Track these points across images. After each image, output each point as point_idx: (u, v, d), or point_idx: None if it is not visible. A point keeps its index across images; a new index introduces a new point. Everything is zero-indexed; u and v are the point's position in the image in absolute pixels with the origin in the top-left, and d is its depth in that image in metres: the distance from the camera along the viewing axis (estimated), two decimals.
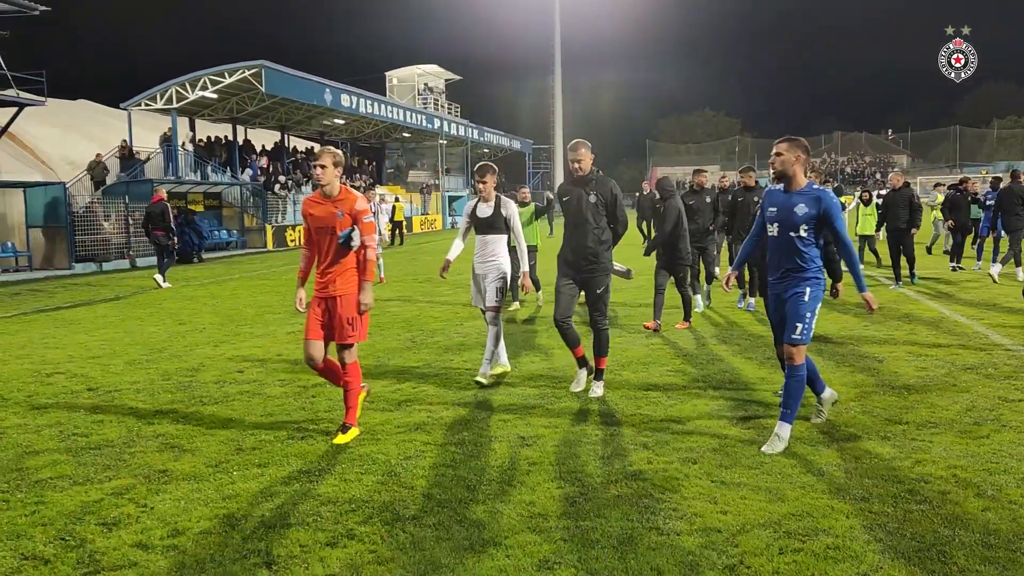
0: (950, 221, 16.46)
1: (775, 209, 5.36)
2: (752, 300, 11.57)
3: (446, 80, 58.02)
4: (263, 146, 40.78)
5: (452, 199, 54.11)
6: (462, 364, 8.30)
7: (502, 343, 7.46)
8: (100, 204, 26.22)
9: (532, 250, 12.71)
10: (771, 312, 5.63)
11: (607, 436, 5.64)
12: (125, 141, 31.43)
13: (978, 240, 17.15)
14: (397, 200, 35.60)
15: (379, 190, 19.70)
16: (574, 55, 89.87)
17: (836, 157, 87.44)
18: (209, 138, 36.57)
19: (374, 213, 16.92)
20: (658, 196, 10.41)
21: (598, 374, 6.92)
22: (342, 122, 43.09)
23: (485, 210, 7.35)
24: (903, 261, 13.84)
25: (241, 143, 38.47)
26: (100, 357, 9.32)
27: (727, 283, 5.82)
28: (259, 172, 37.13)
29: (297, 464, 5.22)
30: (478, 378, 7.23)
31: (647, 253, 10.66)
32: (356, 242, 5.70)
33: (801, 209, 5.21)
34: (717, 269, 13.18)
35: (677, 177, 67.51)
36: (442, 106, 56.18)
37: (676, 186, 11.38)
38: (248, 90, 33.08)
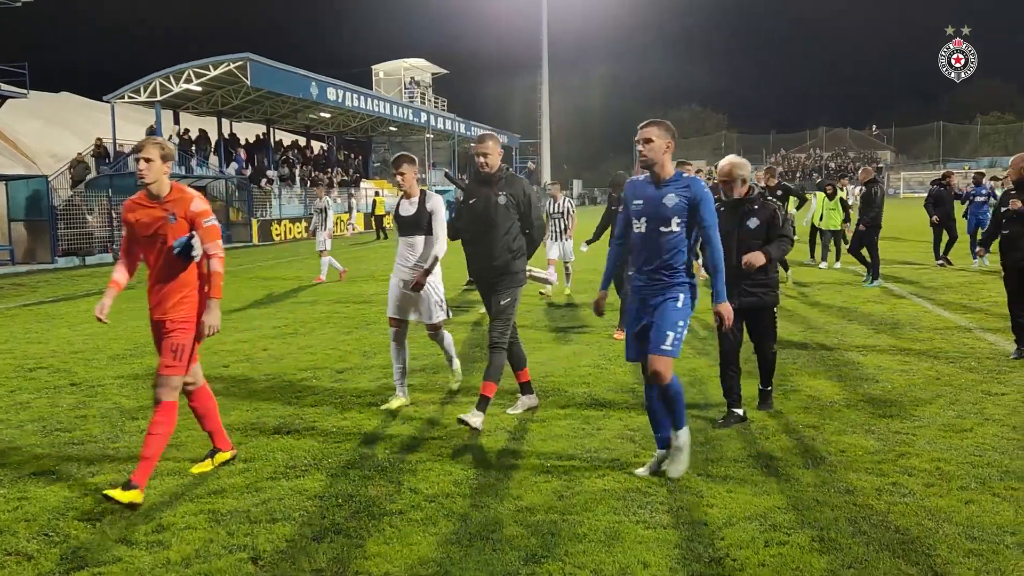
0: (935, 216, 16.53)
1: (641, 202, 4.72)
2: None
3: (433, 74, 57.85)
4: (246, 139, 40.53)
5: (438, 193, 53.90)
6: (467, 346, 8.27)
7: (455, 361, 6.92)
8: (82, 197, 25.98)
9: None
10: (630, 318, 4.83)
11: (594, 430, 5.65)
12: (100, 140, 31.13)
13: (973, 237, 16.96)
14: (378, 194, 35.50)
15: (333, 192, 18.58)
16: (561, 50, 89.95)
17: (820, 152, 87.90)
18: (194, 131, 36.32)
19: (322, 210, 16.73)
20: (612, 193, 9.61)
21: (482, 401, 5.76)
22: (328, 116, 42.89)
23: (408, 208, 6.38)
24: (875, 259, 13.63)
25: (226, 136, 38.23)
26: (83, 352, 9.24)
27: (596, 308, 5.07)
28: (244, 165, 36.90)
29: (283, 459, 5.20)
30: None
31: (587, 244, 10.53)
32: (197, 252, 4.82)
33: (671, 200, 4.61)
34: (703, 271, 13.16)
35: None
36: (429, 100, 56.02)
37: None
38: (233, 83, 32.87)
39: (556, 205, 13.04)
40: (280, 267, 20.66)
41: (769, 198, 5.90)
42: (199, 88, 32.53)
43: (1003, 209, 7.69)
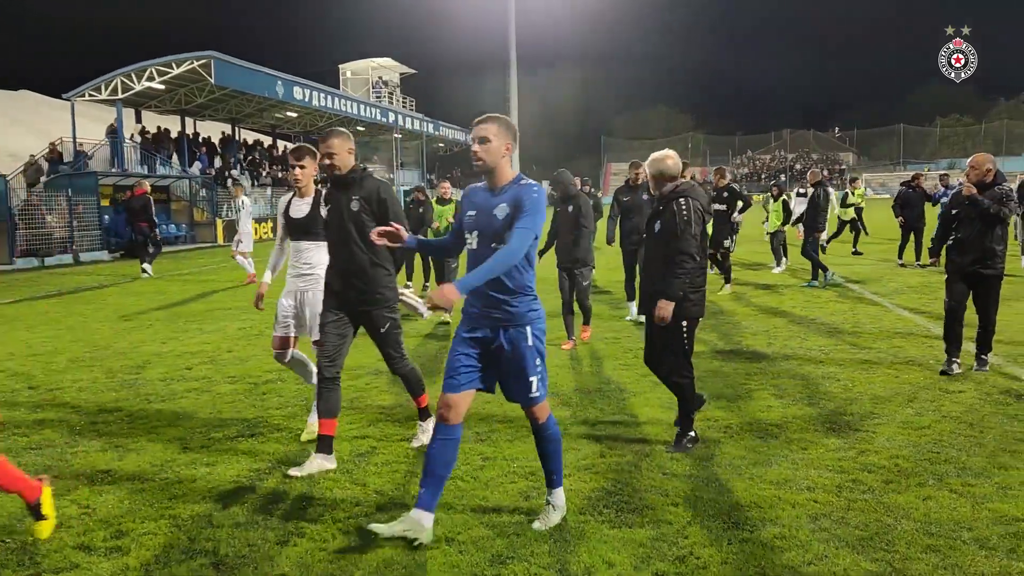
0: (900, 218, 16.58)
1: (474, 213, 3.97)
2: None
3: (401, 74, 57.66)
4: (209, 137, 40.08)
5: (407, 193, 53.73)
6: (416, 360, 8.25)
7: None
8: (41, 198, 25.47)
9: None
10: (456, 352, 3.98)
11: (560, 431, 5.64)
12: (53, 144, 30.58)
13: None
14: None
15: (243, 193, 17.71)
16: (530, 49, 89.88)
17: (785, 154, 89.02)
18: (157, 129, 35.80)
19: (239, 210, 16.73)
20: (557, 196, 8.79)
21: (422, 413, 5.53)
22: (295, 115, 42.56)
23: (300, 208, 5.51)
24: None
25: (190, 135, 37.75)
26: (42, 355, 9.06)
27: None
28: (208, 165, 36.46)
29: (246, 462, 5.14)
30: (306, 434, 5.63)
31: (543, 252, 9.02)
32: None
33: (503, 211, 3.84)
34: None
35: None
36: (397, 100, 55.80)
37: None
38: (197, 81, 32.46)
39: None
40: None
41: (680, 200, 5.13)
42: (162, 86, 32.08)
43: (953, 211, 7.26)
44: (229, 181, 34.79)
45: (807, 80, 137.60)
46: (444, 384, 3.98)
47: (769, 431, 5.53)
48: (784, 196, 16.00)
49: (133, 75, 31.09)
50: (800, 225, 14.68)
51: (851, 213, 19.41)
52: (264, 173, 40.52)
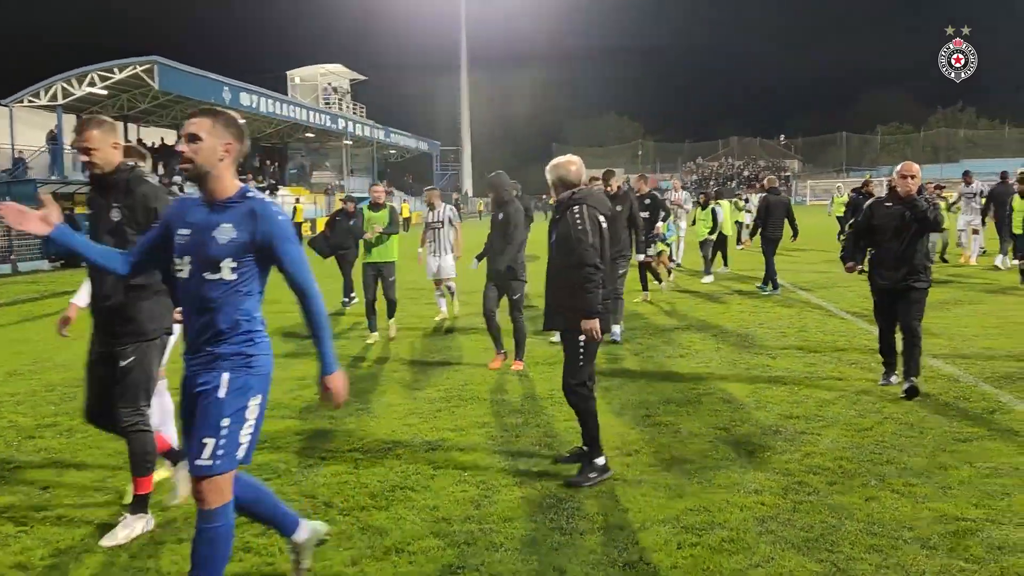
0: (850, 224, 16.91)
1: (187, 232, 3.13)
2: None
3: (351, 80, 57.23)
4: (152, 143, 39.26)
5: (358, 200, 53.30)
6: (367, 369, 8.18)
7: (171, 425, 4.82)
8: None
9: (390, 265, 9.86)
10: (183, 406, 3.26)
11: (512, 438, 5.65)
12: None
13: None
14: (298, 201, 34.92)
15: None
16: (482, 56, 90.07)
17: (733, 161, 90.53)
18: None
19: None
20: (492, 201, 8.23)
21: (137, 502, 4.24)
22: (242, 121, 41.89)
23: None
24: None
25: (134, 142, 36.93)
26: None
27: None
28: (152, 171, 35.69)
29: None
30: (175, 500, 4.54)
31: (478, 259, 8.86)
32: None
33: (226, 233, 3.07)
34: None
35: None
36: (347, 106, 55.38)
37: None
38: (140, 87, 31.81)
39: (434, 214, 10.90)
40: None
41: (575, 208, 4.81)
42: (104, 91, 31.36)
43: (874, 223, 6.70)
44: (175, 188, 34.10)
45: (754, 88, 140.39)
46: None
47: (718, 435, 5.60)
48: (713, 204, 15.69)
49: (74, 80, 30.34)
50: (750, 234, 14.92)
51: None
52: None
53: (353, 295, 13.05)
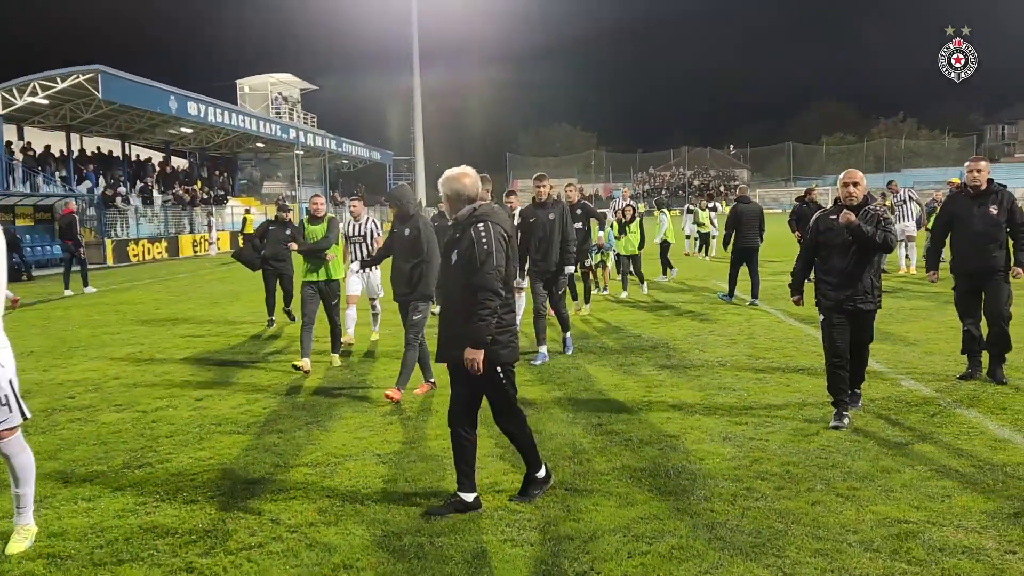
0: (797, 232, 16.80)
1: None
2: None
3: (301, 90, 56.69)
4: (94, 152, 38.39)
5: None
6: (316, 382, 8.07)
7: (30, 488, 4.23)
8: None
9: (334, 285, 8.96)
10: None
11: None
12: None
13: None
14: (248, 212, 34.41)
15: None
16: (435, 67, 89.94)
17: (684, 171, 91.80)
18: (46, 148, 34.09)
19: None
20: (394, 217, 7.51)
21: None
22: (190, 131, 41.16)
23: None
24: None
25: (78, 152, 36.07)
26: None
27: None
28: (96, 183, 34.88)
29: (132, 495, 4.89)
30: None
31: (369, 265, 8.64)
32: None
33: None
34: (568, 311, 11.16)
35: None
36: (298, 116, 54.82)
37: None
38: (83, 96, 31.02)
39: (356, 227, 9.93)
40: (137, 289, 19.58)
41: (480, 226, 4.40)
42: (45, 101, 30.52)
43: (820, 238, 6.11)
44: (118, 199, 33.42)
45: (703, 99, 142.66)
46: None
47: (668, 443, 5.63)
48: (638, 217, 14.87)
49: (15, 90, 29.47)
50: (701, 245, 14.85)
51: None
52: (154, 190, 39.02)
53: (274, 317, 12.05)
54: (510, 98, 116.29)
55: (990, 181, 7.16)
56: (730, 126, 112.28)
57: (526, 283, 9.85)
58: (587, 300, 12.77)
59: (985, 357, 7.30)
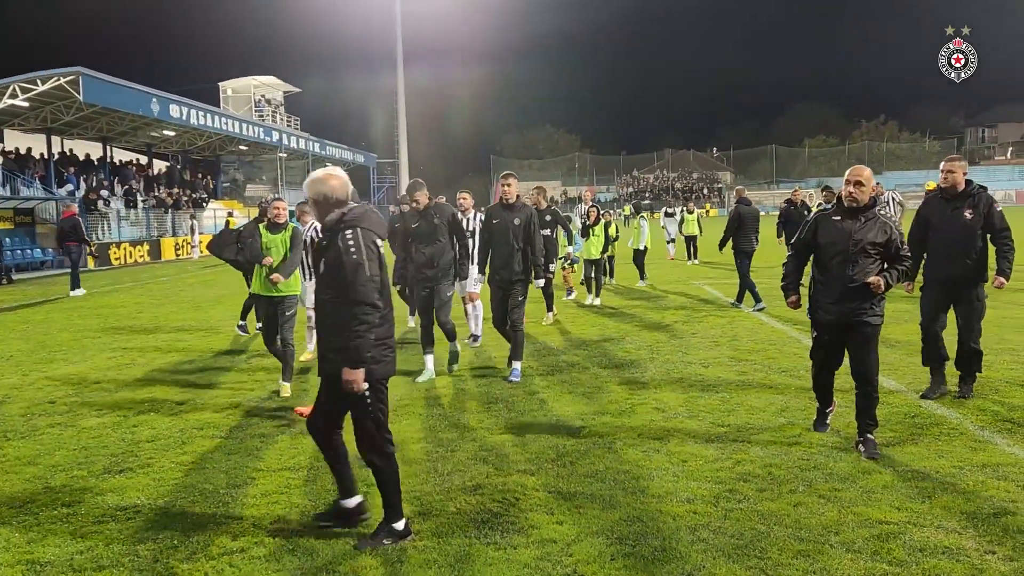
0: (780, 239, 16.24)
1: None
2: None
3: (284, 92, 56.48)
4: (72, 152, 38.03)
5: (292, 213, 52.48)
6: (299, 387, 8.03)
7: None
8: None
9: (290, 300, 7.77)
10: None
11: (447, 452, 5.61)
12: None
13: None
14: (231, 215, 34.22)
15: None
16: (418, 71, 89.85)
17: (668, 173, 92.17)
18: (28, 150, 33.76)
19: None
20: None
21: None
22: (172, 134, 40.88)
23: None
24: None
25: (58, 155, 35.73)
26: None
27: None
28: (77, 186, 34.58)
29: (113, 501, 4.85)
30: None
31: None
32: None
33: None
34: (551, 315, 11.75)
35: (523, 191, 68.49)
36: (281, 118, 54.60)
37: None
38: (64, 98, 30.74)
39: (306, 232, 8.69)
40: (119, 293, 19.41)
41: (347, 234, 4.07)
42: (26, 103, 30.22)
43: (819, 242, 5.54)
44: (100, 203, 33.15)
45: (687, 102, 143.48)
46: None
47: (651, 445, 5.65)
48: (605, 221, 14.23)
49: None
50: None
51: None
52: (137, 192, 38.73)
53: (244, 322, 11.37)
54: (494, 100, 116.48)
55: (968, 182, 6.62)
56: (713, 129, 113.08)
57: (479, 288, 9.61)
58: (549, 308, 11.94)
59: (950, 369, 6.89)
